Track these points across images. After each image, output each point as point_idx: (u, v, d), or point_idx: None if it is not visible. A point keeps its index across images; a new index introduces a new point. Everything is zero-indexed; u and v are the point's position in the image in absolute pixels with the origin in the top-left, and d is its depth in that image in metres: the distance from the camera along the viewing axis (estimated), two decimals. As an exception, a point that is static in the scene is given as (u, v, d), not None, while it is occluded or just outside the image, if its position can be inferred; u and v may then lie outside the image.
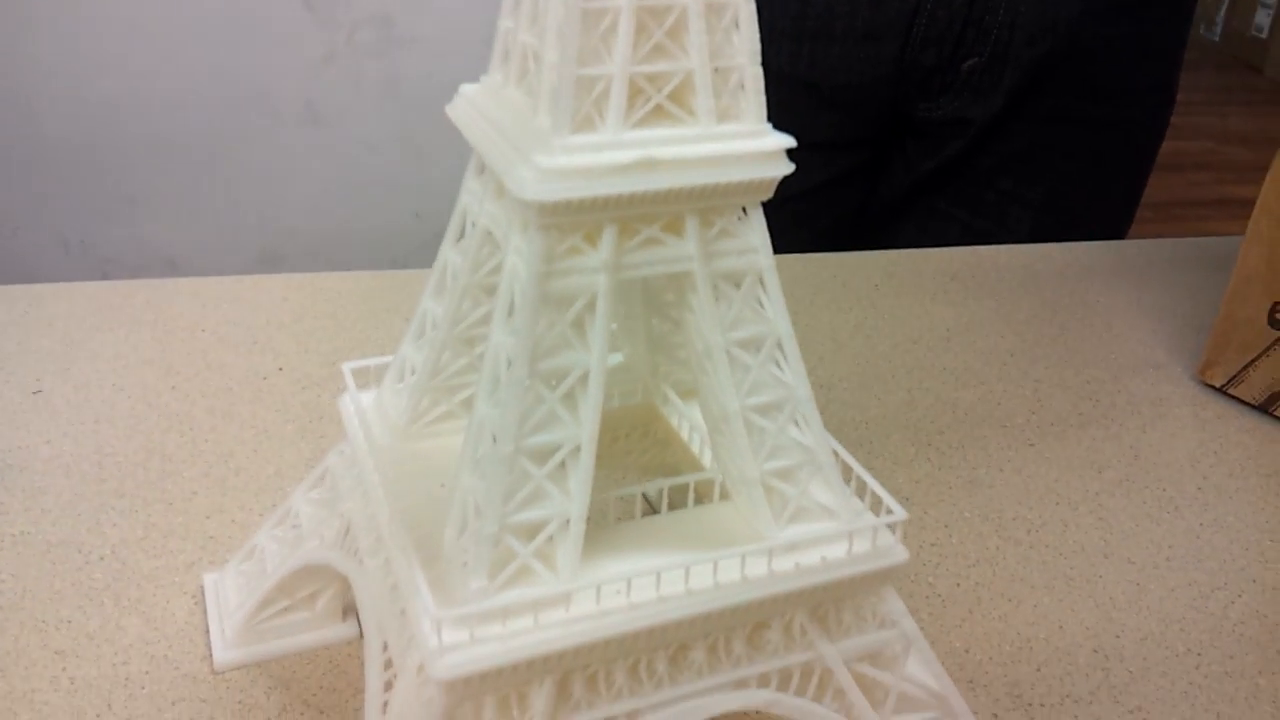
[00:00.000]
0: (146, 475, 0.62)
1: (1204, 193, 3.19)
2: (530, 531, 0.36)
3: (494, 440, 0.36)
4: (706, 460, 0.44)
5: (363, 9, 1.80)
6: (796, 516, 0.39)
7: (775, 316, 0.38)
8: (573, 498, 0.36)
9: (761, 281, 0.37)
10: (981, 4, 0.86)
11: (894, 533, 0.40)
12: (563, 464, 0.36)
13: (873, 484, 0.40)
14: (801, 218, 0.95)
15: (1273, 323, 0.71)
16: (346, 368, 0.45)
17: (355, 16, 1.80)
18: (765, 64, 0.34)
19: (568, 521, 0.36)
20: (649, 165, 0.34)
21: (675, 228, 0.36)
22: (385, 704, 0.38)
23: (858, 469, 0.41)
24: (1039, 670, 0.53)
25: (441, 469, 0.42)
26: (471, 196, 0.40)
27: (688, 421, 0.45)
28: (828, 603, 0.39)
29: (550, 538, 0.36)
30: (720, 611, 0.37)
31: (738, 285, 0.37)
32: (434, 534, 0.38)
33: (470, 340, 0.42)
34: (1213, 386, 0.75)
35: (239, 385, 0.70)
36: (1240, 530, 0.63)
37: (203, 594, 0.54)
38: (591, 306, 0.35)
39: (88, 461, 0.63)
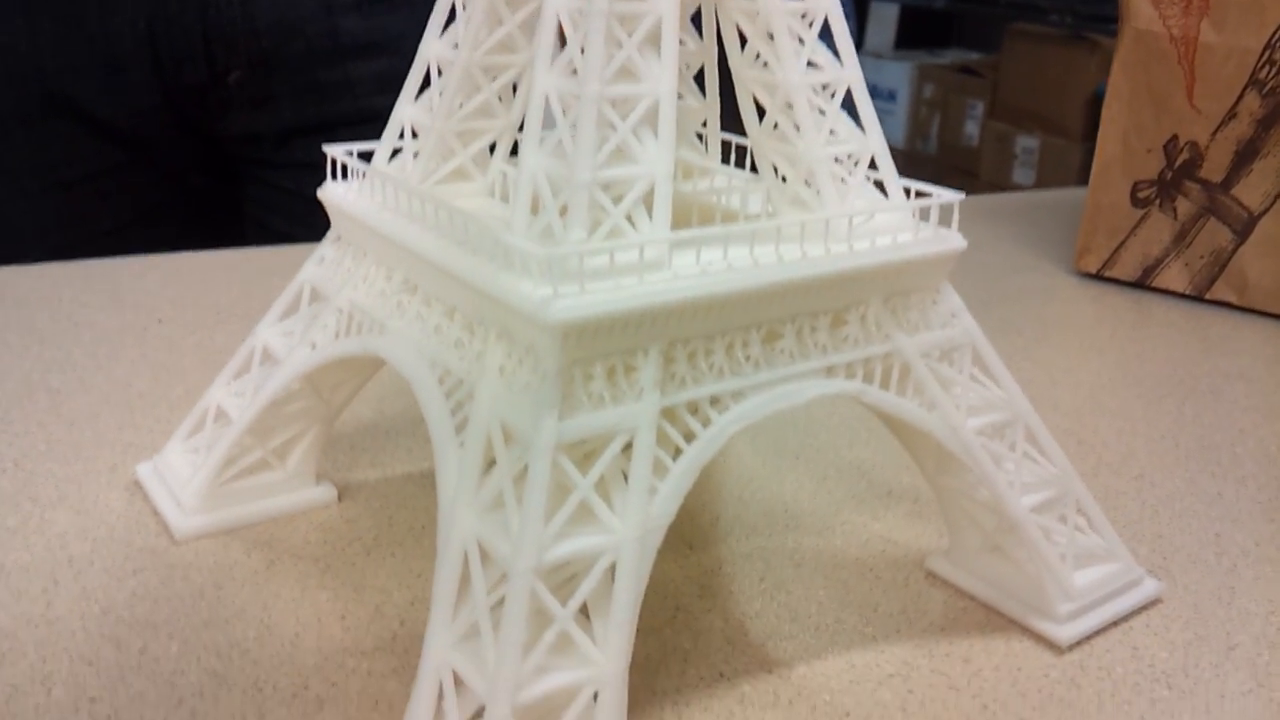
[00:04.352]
0: (34, 405, 0.54)
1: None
2: (618, 191, 0.33)
3: (562, 110, 0.33)
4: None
5: None
6: (861, 206, 0.38)
7: (822, -9, 0.37)
8: (656, 157, 0.33)
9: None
10: (215, 16, 0.79)
11: (951, 221, 0.39)
12: (643, 120, 0.33)
13: (916, 184, 0.40)
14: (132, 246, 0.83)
15: (1135, 202, 0.76)
16: (331, 150, 0.42)
17: None
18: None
19: (654, 184, 0.33)
20: None
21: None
22: (460, 424, 0.34)
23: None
24: (1036, 462, 0.53)
25: (466, 216, 0.39)
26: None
27: (705, 181, 0.43)
28: (898, 292, 0.38)
29: (638, 201, 0.33)
30: (807, 285, 0.35)
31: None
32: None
33: (489, 69, 0.39)
34: (1090, 274, 0.79)
35: (117, 335, 0.63)
36: (1163, 362, 0.66)
37: (139, 486, 0.47)
38: (659, -48, 0.34)
39: (-41, 399, 0.54)
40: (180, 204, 0.90)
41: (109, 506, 0.46)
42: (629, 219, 0.33)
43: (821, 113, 0.37)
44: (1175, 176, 0.74)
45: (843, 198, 0.38)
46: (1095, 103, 3.74)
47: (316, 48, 0.82)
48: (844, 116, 0.38)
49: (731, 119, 0.42)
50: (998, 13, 4.19)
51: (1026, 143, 4.23)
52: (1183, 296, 0.76)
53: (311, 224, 0.45)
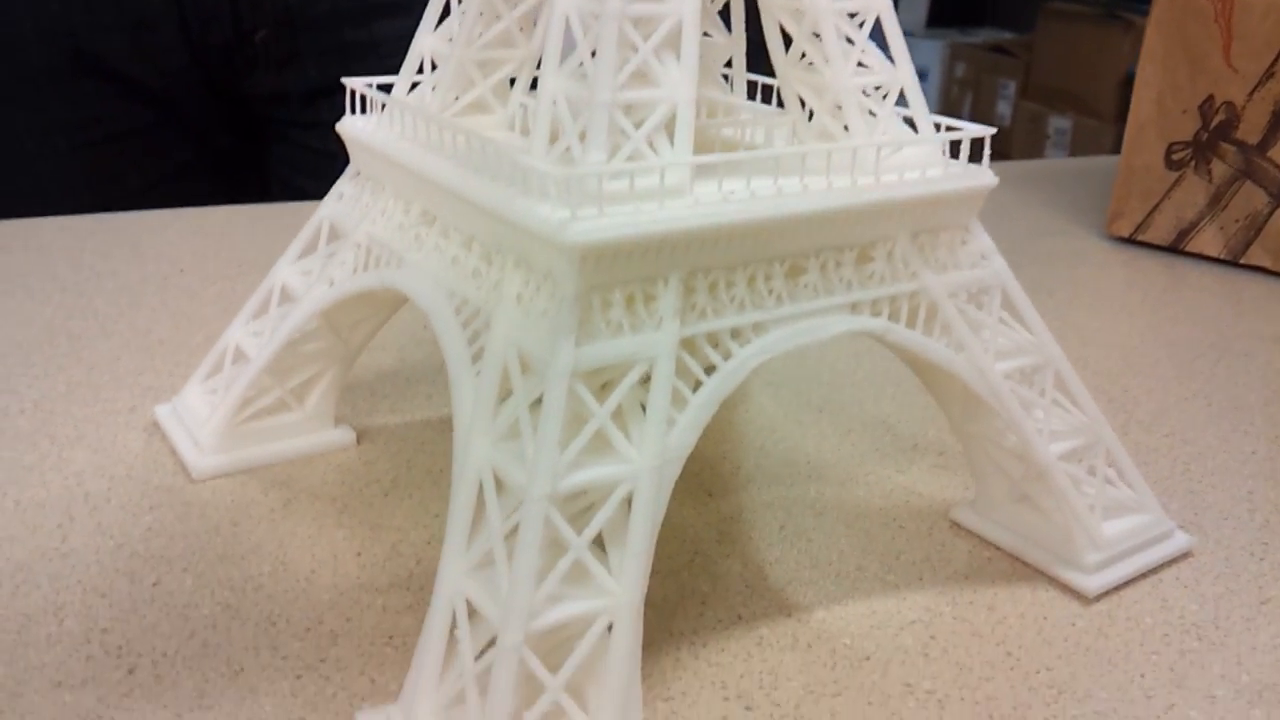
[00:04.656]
0: (55, 350, 0.54)
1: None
2: (639, 115, 0.32)
3: (583, 31, 0.32)
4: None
5: None
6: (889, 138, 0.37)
7: (852, -83, 0.36)
8: (679, 81, 0.33)
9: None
10: None
11: (982, 158, 0.38)
12: (666, 43, 0.32)
13: (946, 120, 0.39)
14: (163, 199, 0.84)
15: (1169, 164, 0.75)
16: (350, 82, 0.41)
17: None
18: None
19: (675, 109, 0.33)
20: None
21: None
22: (477, 354, 0.33)
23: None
24: (1064, 418, 0.52)
25: (486, 148, 0.38)
26: None
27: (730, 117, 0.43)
28: (927, 230, 0.37)
29: (659, 126, 0.32)
30: (832, 216, 0.34)
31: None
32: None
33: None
34: (1122, 238, 0.78)
35: (139, 285, 0.63)
36: (1196, 325, 0.64)
37: (157, 427, 0.47)
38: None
39: (-21, 342, 0.54)
40: (207, 164, 0.89)
41: (127, 446, 0.46)
42: (650, 145, 0.32)
43: (850, 42, 0.36)
44: (1211, 138, 0.73)
45: (871, 130, 0.37)
46: (1129, 83, 3.67)
47: (342, 7, 0.81)
48: (873, 47, 0.37)
49: (758, 60, 0.42)
50: (1032, -9, 4.13)
51: (1059, 123, 4.17)
52: (1217, 261, 0.74)
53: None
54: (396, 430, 0.48)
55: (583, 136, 0.32)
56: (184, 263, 0.67)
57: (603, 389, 0.31)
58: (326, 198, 0.43)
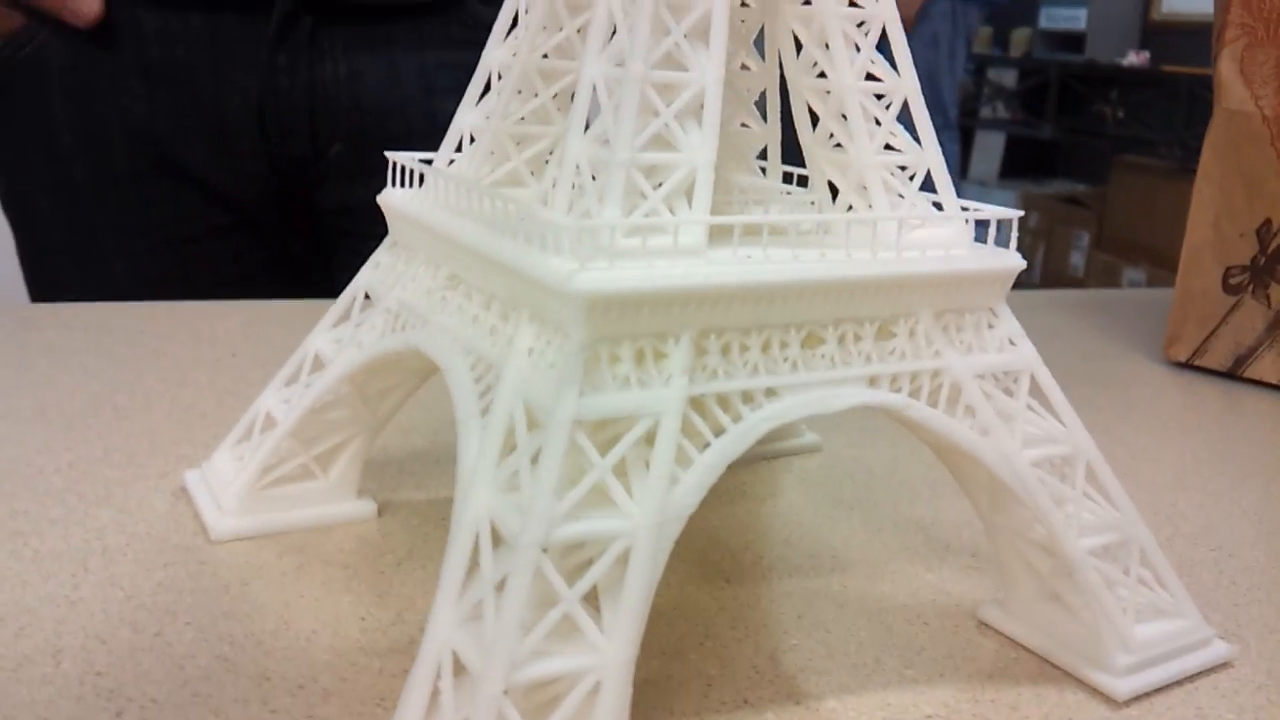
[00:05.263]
0: (98, 418, 0.55)
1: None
2: (658, 177, 0.33)
3: (608, 95, 0.33)
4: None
5: None
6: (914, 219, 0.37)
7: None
8: (700, 145, 0.33)
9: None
10: (322, 92, 0.82)
11: (1009, 241, 0.38)
12: (688, 109, 0.33)
13: (974, 204, 0.39)
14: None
15: (1227, 289, 0.74)
16: (394, 156, 0.42)
17: None
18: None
19: (694, 173, 0.33)
20: None
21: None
22: (486, 407, 0.33)
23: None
24: (1106, 529, 0.50)
25: (514, 217, 0.39)
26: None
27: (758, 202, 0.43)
28: (951, 309, 0.37)
29: (679, 190, 0.33)
30: (849, 286, 0.34)
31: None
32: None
33: (547, 75, 0.39)
34: (1179, 363, 0.76)
35: (190, 365, 0.64)
36: (1251, 445, 0.62)
37: (185, 492, 0.47)
38: (711, -51, 0.34)
39: (26, 410, 0.55)
40: (276, 269, 0.92)
41: (152, 507, 0.46)
42: (669, 207, 0.33)
43: (877, 123, 0.37)
44: (1268, 262, 0.71)
45: (895, 209, 0.37)
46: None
47: (415, 128, 0.84)
48: (900, 129, 0.37)
49: (795, 150, 0.42)
50: (1105, 144, 4.16)
51: (1133, 275, 4.15)
52: (1276, 388, 0.72)
53: None
54: (418, 506, 0.48)
55: (601, 197, 0.32)
56: (237, 347, 0.68)
57: (608, 445, 0.31)
58: (364, 267, 0.44)
